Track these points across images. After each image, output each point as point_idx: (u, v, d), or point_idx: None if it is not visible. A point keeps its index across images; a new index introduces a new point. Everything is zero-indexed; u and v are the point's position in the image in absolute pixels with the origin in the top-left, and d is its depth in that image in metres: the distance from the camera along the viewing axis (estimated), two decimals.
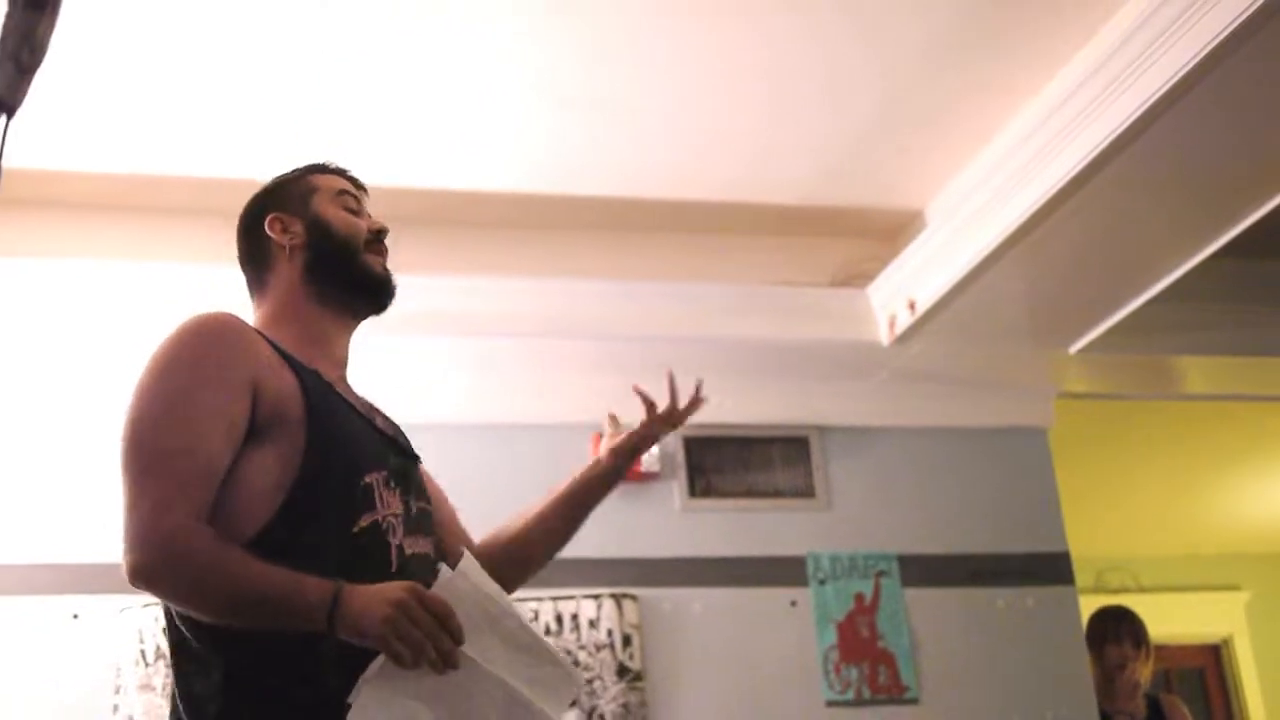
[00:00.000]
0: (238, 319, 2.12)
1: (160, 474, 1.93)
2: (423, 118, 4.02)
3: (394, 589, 1.82)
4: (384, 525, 2.05)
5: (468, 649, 1.81)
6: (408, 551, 2.07)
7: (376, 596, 1.81)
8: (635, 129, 4.15)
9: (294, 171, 2.39)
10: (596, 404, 4.61)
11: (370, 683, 1.78)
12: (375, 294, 2.31)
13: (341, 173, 2.39)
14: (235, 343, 2.07)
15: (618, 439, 2.76)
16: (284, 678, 1.91)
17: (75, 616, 4.06)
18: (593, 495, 2.69)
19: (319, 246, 2.27)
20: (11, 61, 1.37)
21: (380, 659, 1.80)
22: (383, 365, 4.41)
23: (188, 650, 1.99)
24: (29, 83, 1.40)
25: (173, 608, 1.99)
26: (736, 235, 4.79)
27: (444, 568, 1.91)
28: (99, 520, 4.19)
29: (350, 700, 1.78)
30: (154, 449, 1.96)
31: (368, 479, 2.06)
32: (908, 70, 3.90)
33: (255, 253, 2.32)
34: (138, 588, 1.88)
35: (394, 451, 2.20)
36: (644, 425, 2.79)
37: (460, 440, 4.46)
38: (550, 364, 4.59)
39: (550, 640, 2.02)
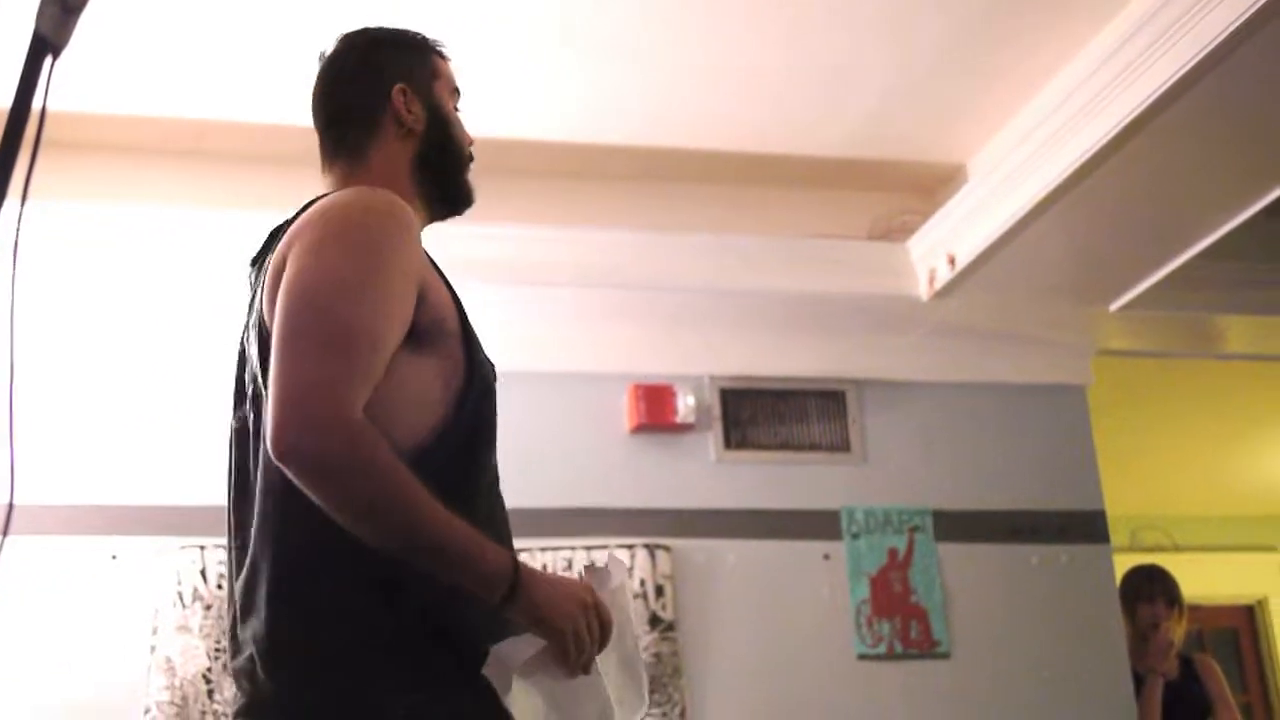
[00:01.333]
0: (409, 207, 1.97)
1: (337, 350, 1.74)
2: (458, 63, 4.00)
3: (578, 588, 1.81)
4: (497, 464, 1.99)
5: (599, 659, 1.83)
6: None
7: (562, 590, 1.79)
8: (675, 79, 4.13)
9: (413, 37, 2.23)
10: (631, 354, 4.66)
11: (519, 668, 1.77)
12: (458, 207, 2.21)
13: (449, 65, 2.26)
14: (413, 231, 1.93)
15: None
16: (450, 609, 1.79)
17: (114, 557, 4.09)
18: None
19: (436, 143, 2.15)
20: (58, 1, 1.36)
21: (534, 645, 1.78)
22: None
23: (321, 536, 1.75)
24: (75, 23, 1.39)
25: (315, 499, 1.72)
26: (776, 187, 4.76)
27: (610, 573, 1.91)
28: (138, 462, 4.24)
29: (489, 674, 1.77)
30: (334, 321, 1.77)
31: (497, 407, 1.98)
32: (953, 22, 3.86)
33: (362, 114, 2.13)
34: (288, 468, 1.70)
35: (495, 378, 2.04)
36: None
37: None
38: (584, 314, 4.58)
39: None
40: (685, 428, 4.62)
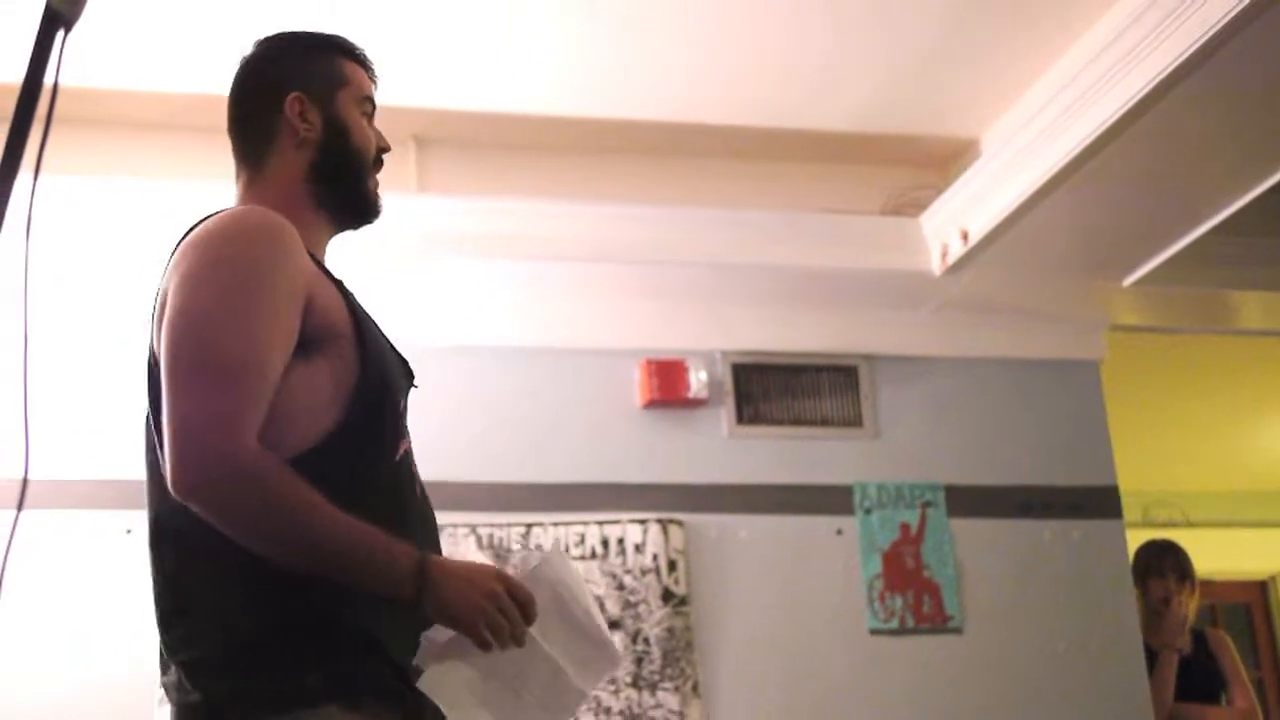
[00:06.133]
0: (287, 221, 1.96)
1: (226, 384, 1.78)
2: (465, 36, 3.99)
3: (485, 576, 1.85)
4: (410, 453, 2.02)
5: (532, 628, 1.88)
6: (420, 480, 2.05)
7: (469, 585, 1.82)
8: (687, 54, 4.12)
9: (321, 41, 2.20)
10: (642, 329, 4.66)
11: (437, 654, 1.86)
12: (362, 217, 2.17)
13: (369, 70, 2.22)
14: (291, 246, 1.93)
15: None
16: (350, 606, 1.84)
17: (128, 531, 4.09)
18: None
19: (331, 151, 2.11)
20: None
21: (450, 633, 1.86)
22: (425, 288, 4.44)
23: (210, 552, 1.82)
24: None
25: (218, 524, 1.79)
26: (788, 162, 4.75)
27: (531, 555, 1.95)
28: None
29: (418, 664, 1.86)
30: (219, 354, 1.81)
31: (401, 402, 2.02)
32: None
33: (260, 124, 2.13)
34: (191, 505, 1.76)
35: (406, 373, 2.09)
36: None
37: (504, 364, 4.48)
38: (596, 289, 4.58)
39: (603, 618, 2.05)
40: (698, 403, 4.63)
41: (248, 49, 2.22)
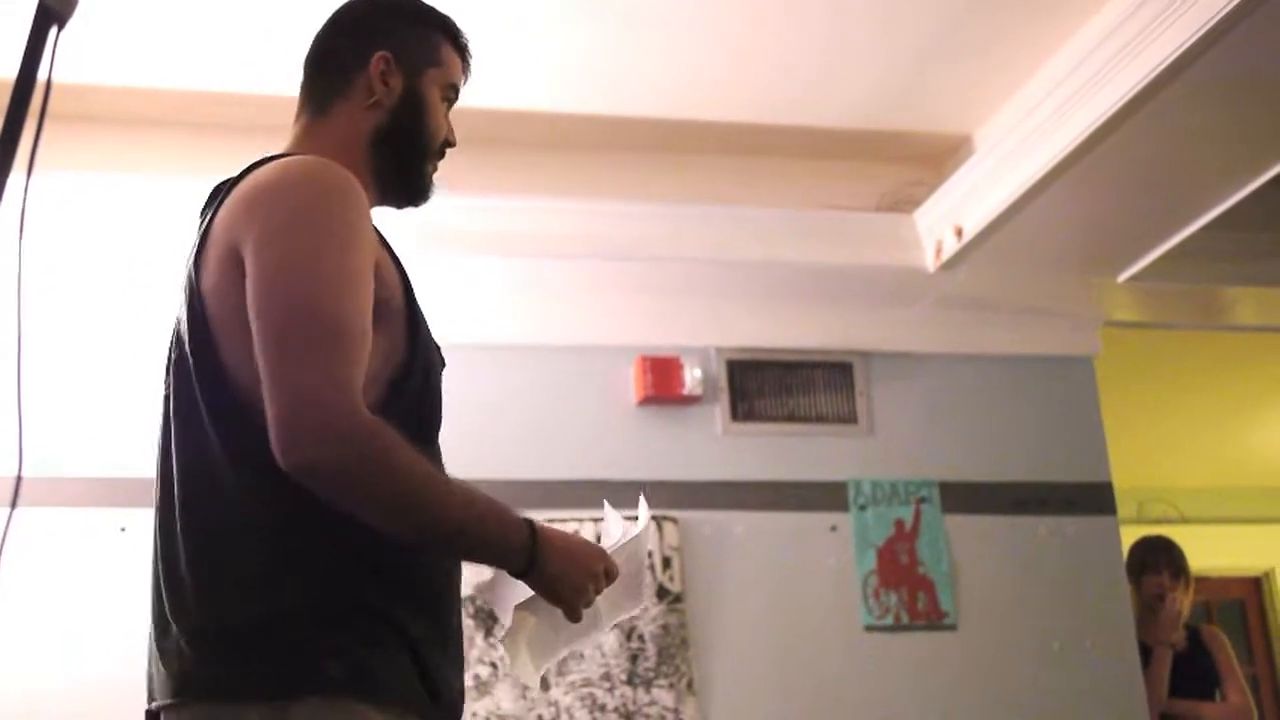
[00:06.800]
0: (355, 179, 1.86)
1: (339, 348, 1.68)
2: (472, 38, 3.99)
3: (590, 557, 1.84)
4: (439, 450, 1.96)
5: None
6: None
7: (575, 566, 1.82)
8: (681, 51, 4.12)
9: (433, 16, 2.12)
10: (640, 326, 4.66)
11: (523, 603, 1.87)
12: (411, 199, 2.08)
13: (467, 63, 2.15)
14: (365, 207, 1.85)
15: None
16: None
17: (123, 529, 4.10)
18: None
19: (402, 124, 2.02)
20: None
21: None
22: (419, 285, 4.43)
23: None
24: None
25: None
26: (782, 159, 4.75)
27: (631, 526, 1.99)
28: (147, 434, 4.24)
29: (481, 593, 1.93)
30: (329, 317, 1.69)
31: (442, 387, 1.95)
32: None
33: (339, 67, 2.03)
34: (314, 485, 1.66)
35: (441, 359, 2.00)
36: None
37: (498, 361, 4.48)
38: (590, 286, 4.59)
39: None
40: (692, 400, 4.63)
41: None
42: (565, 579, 1.80)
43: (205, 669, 1.73)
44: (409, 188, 2.07)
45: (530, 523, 1.80)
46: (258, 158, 1.92)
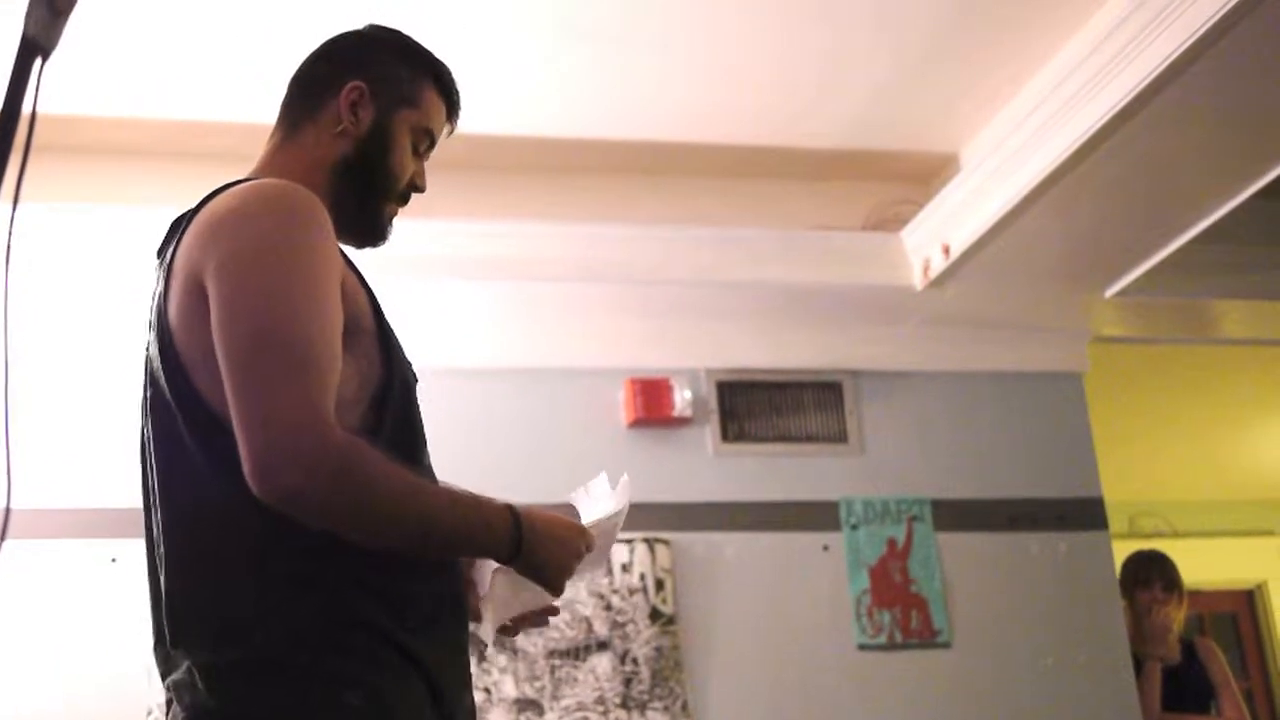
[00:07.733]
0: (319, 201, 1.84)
1: (309, 372, 1.65)
2: (449, 58, 3.99)
3: (573, 535, 1.89)
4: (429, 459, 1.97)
5: None
6: None
7: (560, 547, 1.86)
8: (667, 73, 4.13)
9: (421, 56, 2.10)
10: (626, 349, 4.66)
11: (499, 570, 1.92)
12: (365, 238, 2.05)
13: (452, 111, 2.13)
14: (330, 229, 1.82)
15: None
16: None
17: (113, 560, 4.09)
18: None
19: (366, 157, 1.99)
20: (45, 4, 1.36)
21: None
22: (408, 310, 4.43)
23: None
24: (63, 25, 1.38)
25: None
26: (769, 179, 4.76)
27: (609, 509, 2.03)
28: (136, 465, 4.23)
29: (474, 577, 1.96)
30: (299, 340, 1.67)
31: (420, 407, 1.94)
32: (944, 11, 3.86)
33: (315, 92, 2.02)
34: (283, 508, 1.63)
35: (414, 375, 1.97)
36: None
37: (488, 384, 4.48)
38: (581, 309, 4.59)
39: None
40: (682, 421, 4.62)
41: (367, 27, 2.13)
42: (550, 563, 1.85)
43: (222, 701, 1.73)
44: (364, 224, 2.04)
45: (513, 510, 1.81)
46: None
